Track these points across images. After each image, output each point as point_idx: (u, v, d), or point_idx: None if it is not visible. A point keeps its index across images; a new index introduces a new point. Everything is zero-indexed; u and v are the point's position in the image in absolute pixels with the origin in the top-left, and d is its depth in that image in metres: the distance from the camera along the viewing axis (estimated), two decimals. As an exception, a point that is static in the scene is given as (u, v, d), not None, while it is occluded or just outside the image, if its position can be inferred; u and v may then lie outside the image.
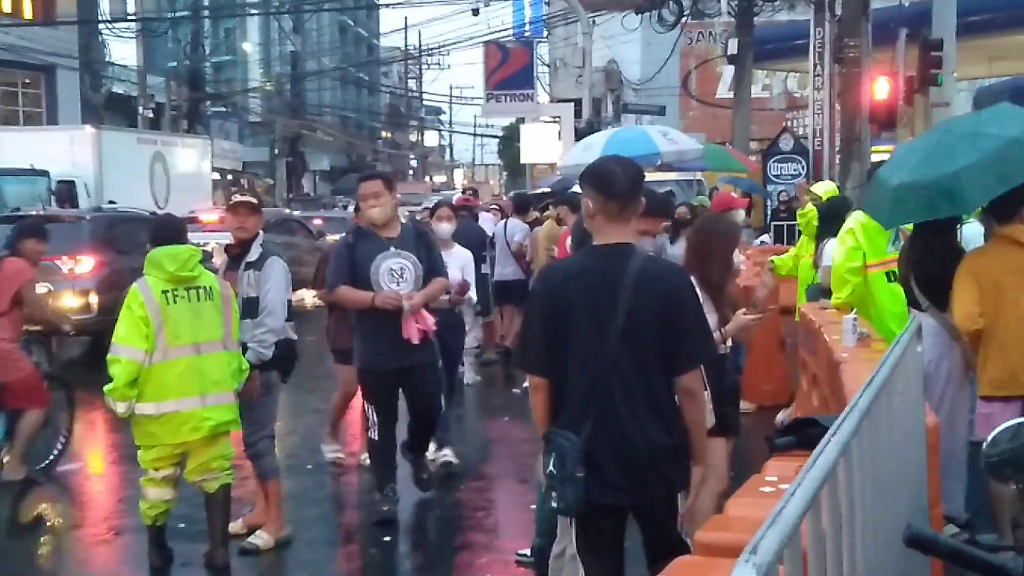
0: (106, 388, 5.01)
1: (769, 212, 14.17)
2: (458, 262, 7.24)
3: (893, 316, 6.15)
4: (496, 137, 54.89)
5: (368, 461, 6.43)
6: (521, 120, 31.22)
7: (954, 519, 5.04)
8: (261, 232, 5.82)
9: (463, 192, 17.16)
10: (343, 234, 7.25)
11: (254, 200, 5.92)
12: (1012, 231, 5.11)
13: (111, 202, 16.31)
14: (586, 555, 3.75)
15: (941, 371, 5.45)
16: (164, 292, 5.08)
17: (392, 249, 5.93)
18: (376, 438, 6.03)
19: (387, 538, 5.90)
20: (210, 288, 5.24)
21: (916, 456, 3.31)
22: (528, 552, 5.51)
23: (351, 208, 13.02)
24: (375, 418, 6.01)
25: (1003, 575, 1.88)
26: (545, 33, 35.66)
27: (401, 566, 5.81)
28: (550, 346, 3.59)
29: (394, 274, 5.90)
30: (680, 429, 3.60)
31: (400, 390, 6.09)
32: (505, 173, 55.86)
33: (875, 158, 12.87)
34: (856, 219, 6.43)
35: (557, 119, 26.51)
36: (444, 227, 7.56)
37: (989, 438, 2.21)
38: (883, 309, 6.27)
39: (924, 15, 13.89)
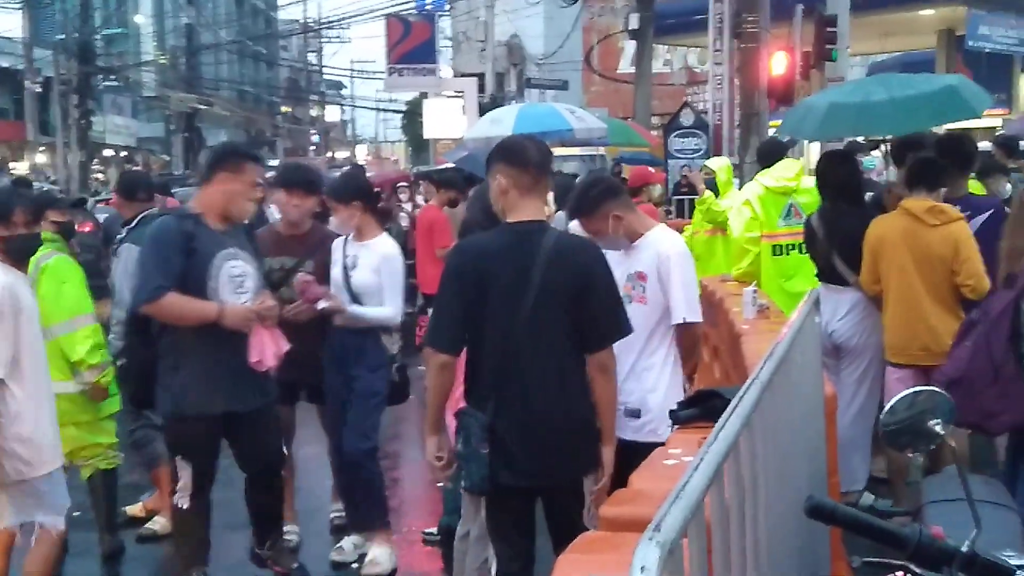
0: None
1: (671, 186, 14.29)
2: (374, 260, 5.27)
3: (776, 288, 6.29)
4: (399, 112, 54.32)
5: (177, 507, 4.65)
6: (424, 95, 30.97)
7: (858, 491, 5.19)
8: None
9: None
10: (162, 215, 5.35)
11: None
12: (910, 203, 5.25)
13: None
14: (496, 536, 3.73)
15: (868, 344, 5.55)
16: None
17: (231, 248, 4.51)
18: (187, 507, 4.55)
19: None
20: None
21: (815, 426, 3.37)
22: (435, 531, 5.50)
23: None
24: (189, 480, 4.52)
25: (901, 542, 1.92)
26: (447, 6, 35.38)
27: (307, 547, 5.73)
28: (463, 324, 3.56)
29: (235, 282, 4.48)
30: (591, 409, 3.60)
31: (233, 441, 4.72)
32: (410, 148, 55.37)
33: (772, 132, 13.09)
34: (753, 191, 6.54)
35: (461, 93, 26.40)
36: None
37: (887, 407, 2.24)
38: (766, 279, 6.41)
39: (820, -9, 14.17)
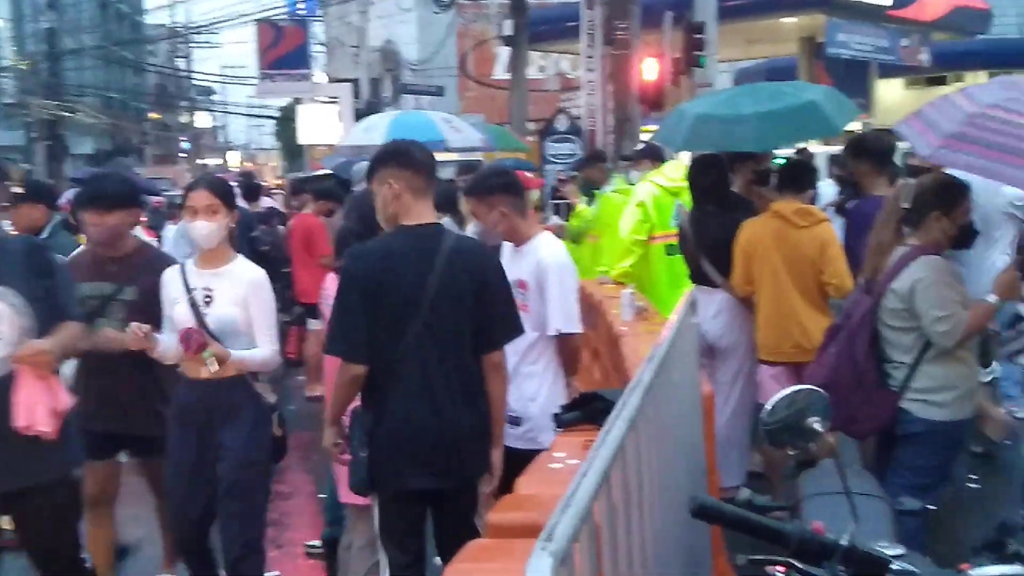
0: None
1: (549, 191, 14.43)
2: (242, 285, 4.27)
3: (667, 289, 6.37)
4: (272, 118, 53.40)
5: None
6: (298, 100, 30.54)
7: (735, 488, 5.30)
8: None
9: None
10: None
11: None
12: (779, 205, 5.40)
13: None
14: (387, 541, 3.70)
15: (739, 343, 5.67)
16: None
17: None
18: None
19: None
20: None
21: (694, 425, 3.43)
22: (318, 543, 5.40)
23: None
24: None
25: (783, 538, 1.95)
26: (320, 12, 34.97)
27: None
28: (368, 330, 3.52)
29: None
30: (486, 410, 3.62)
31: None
32: (285, 155, 54.45)
33: (644, 138, 13.33)
34: (648, 191, 6.59)
35: (335, 99, 26.14)
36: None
37: (768, 406, 2.29)
38: (658, 281, 6.47)
39: (688, -1, 14.50)
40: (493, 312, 3.61)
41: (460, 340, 3.57)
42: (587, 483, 1.52)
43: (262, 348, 4.16)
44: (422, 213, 3.61)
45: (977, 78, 17.48)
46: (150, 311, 4.24)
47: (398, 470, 3.54)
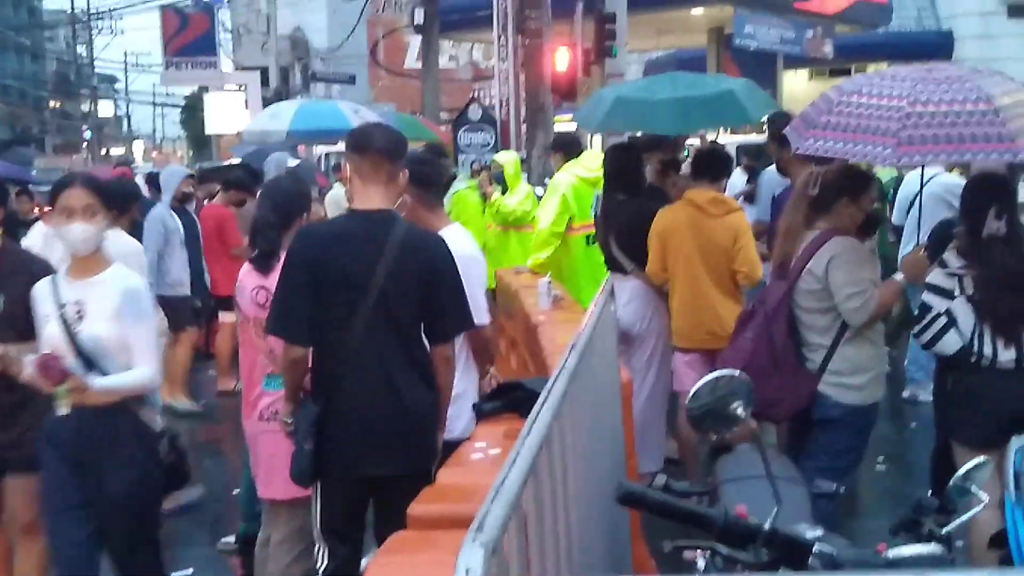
0: None
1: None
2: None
3: (586, 279, 6.41)
4: (178, 107, 52.32)
5: None
6: (205, 89, 29.93)
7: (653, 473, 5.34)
8: None
9: (116, 165, 16.21)
10: None
11: None
12: (694, 194, 5.47)
13: None
14: (327, 531, 3.65)
15: (651, 330, 5.72)
16: None
17: None
18: None
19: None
20: None
21: (614, 411, 3.45)
22: (232, 539, 5.31)
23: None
24: None
25: (707, 523, 1.97)
26: (226, -2, 34.30)
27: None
28: (311, 312, 3.46)
29: None
30: (435, 399, 3.60)
31: None
32: (192, 144, 53.30)
33: (558, 128, 13.37)
34: (568, 182, 6.61)
35: (243, 87, 25.68)
36: None
37: (692, 392, 2.31)
38: (578, 271, 6.51)
39: (599, -11, 14.56)
40: (445, 303, 3.57)
41: (407, 328, 3.54)
42: (516, 472, 1.51)
43: (140, 369, 3.68)
44: (372, 198, 3.55)
45: (878, 69, 17.93)
46: (21, 323, 3.77)
47: (352, 456, 3.50)
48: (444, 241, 3.71)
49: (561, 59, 13.32)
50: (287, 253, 3.63)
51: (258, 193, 5.51)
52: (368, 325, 3.45)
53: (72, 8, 56.77)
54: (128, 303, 3.67)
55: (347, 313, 3.45)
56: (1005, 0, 22.08)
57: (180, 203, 8.43)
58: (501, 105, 15.76)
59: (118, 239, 5.27)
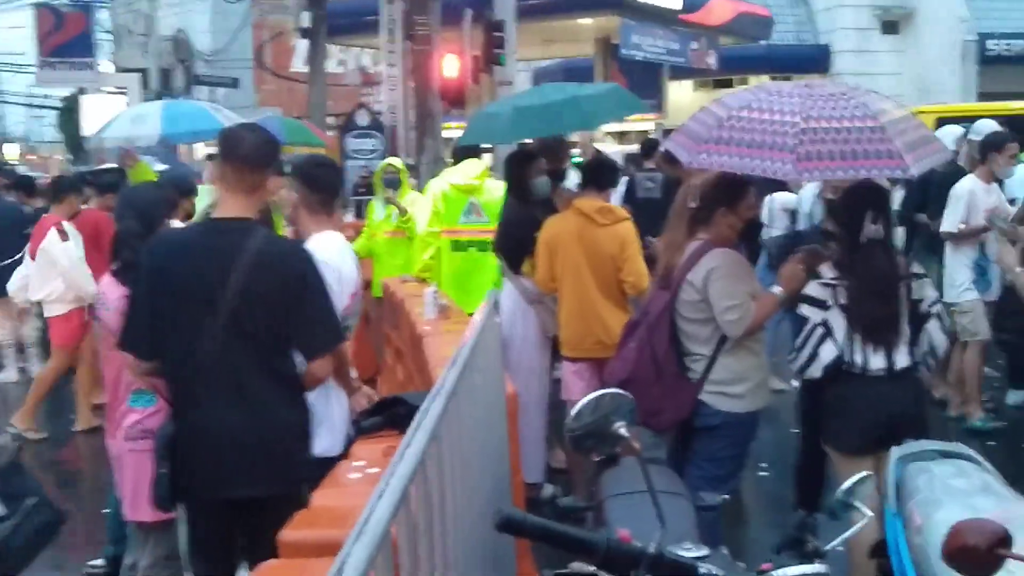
0: None
1: (350, 188, 14.12)
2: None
3: (452, 285, 6.40)
4: (55, 108, 50.41)
5: None
6: (82, 90, 28.92)
7: (536, 484, 5.29)
8: None
9: None
10: None
11: None
12: (581, 203, 5.46)
13: None
14: (196, 556, 3.48)
15: (516, 334, 5.70)
16: None
17: None
18: None
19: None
20: None
21: (499, 428, 3.36)
22: (101, 562, 5.08)
23: None
24: None
25: (589, 549, 1.90)
26: (105, -3, 33.23)
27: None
28: (155, 326, 3.28)
29: None
30: (300, 418, 3.42)
31: None
32: (68, 148, 51.42)
33: (447, 135, 13.29)
34: (440, 187, 6.64)
35: (123, 90, 24.92)
36: None
37: (573, 412, 2.24)
38: (445, 275, 6.54)
39: (488, -3, 14.53)
40: (313, 319, 3.37)
41: (265, 345, 3.33)
42: (383, 505, 1.40)
43: None
44: (233, 206, 3.37)
45: (760, 81, 18.33)
46: None
47: (209, 478, 3.31)
48: (306, 252, 3.53)
49: (450, 66, 13.25)
50: (138, 263, 3.50)
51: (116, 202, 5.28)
52: (220, 340, 3.24)
53: (-60, 4, 54.37)
54: None
55: (194, 327, 3.26)
56: (879, 17, 22.84)
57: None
58: (390, 111, 15.57)
59: None
